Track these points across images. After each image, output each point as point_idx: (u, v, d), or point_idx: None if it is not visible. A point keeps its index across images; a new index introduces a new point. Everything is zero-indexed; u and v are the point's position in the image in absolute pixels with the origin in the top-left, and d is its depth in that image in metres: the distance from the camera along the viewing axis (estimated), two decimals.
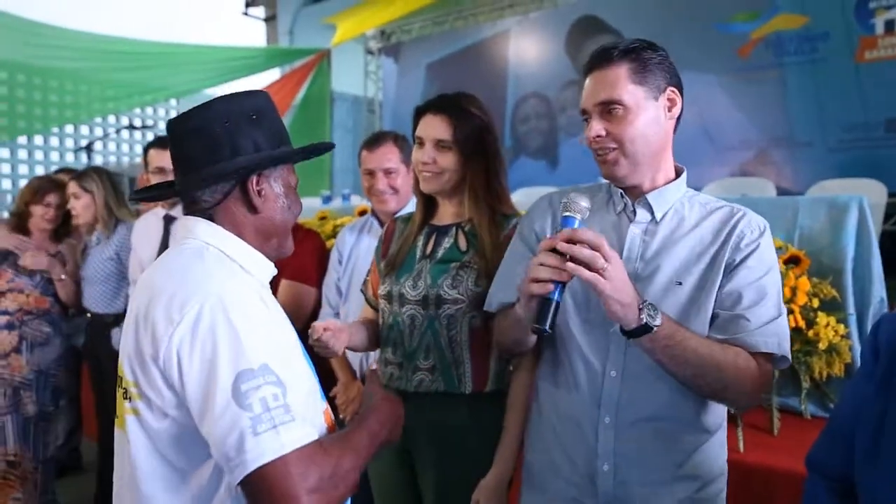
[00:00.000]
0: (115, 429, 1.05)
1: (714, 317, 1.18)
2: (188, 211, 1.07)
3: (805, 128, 5.46)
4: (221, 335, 0.90)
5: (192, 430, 0.92)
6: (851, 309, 2.02)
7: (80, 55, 7.06)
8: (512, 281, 1.28)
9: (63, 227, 3.14)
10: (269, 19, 12.52)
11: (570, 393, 1.27)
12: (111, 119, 10.67)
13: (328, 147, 1.18)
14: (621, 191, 1.26)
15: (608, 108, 1.18)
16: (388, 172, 2.07)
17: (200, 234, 1.04)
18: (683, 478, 1.21)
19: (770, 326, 1.15)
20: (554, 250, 1.04)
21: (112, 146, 11.11)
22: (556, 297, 1.04)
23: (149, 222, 2.90)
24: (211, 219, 1.05)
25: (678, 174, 1.28)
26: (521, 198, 6.26)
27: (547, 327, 1.04)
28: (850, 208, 2.08)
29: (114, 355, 3.08)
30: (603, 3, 6.87)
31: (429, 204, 1.64)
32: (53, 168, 10.48)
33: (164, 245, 2.81)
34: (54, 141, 10.71)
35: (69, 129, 10.70)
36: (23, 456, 2.89)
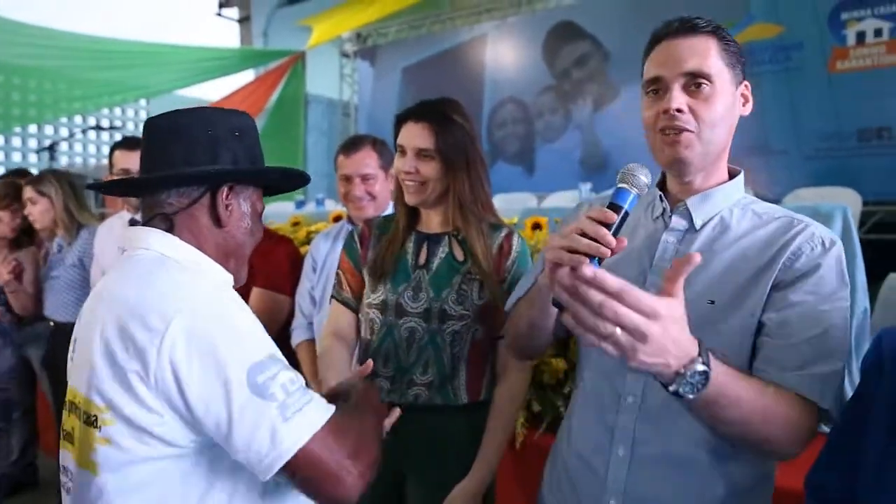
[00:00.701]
0: (68, 468, 0.95)
1: (758, 345, 1.00)
2: (147, 215, 1.00)
3: (780, 136, 5.51)
4: (218, 337, 0.86)
5: (183, 448, 0.88)
6: None
7: (48, 52, 6.89)
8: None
9: (26, 234, 3.02)
10: (243, 20, 12.37)
11: (582, 420, 1.17)
12: (77, 119, 10.42)
13: (305, 179, 1.15)
14: (661, 193, 1.12)
15: (695, 81, 1.01)
16: (365, 178, 2.00)
17: (154, 244, 0.97)
18: None
19: (820, 368, 0.95)
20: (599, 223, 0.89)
21: (78, 147, 10.84)
22: (589, 271, 0.94)
23: (112, 227, 2.78)
24: (171, 225, 0.98)
25: (732, 176, 1.12)
26: (498, 203, 6.23)
27: None
28: (835, 218, 2.06)
29: None
30: (580, 9, 6.89)
31: (412, 209, 1.57)
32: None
33: None
34: (16, 141, 10.42)
35: (32, 128, 10.44)
36: None
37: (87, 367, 0.89)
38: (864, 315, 2.06)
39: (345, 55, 8.99)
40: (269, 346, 0.90)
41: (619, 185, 0.94)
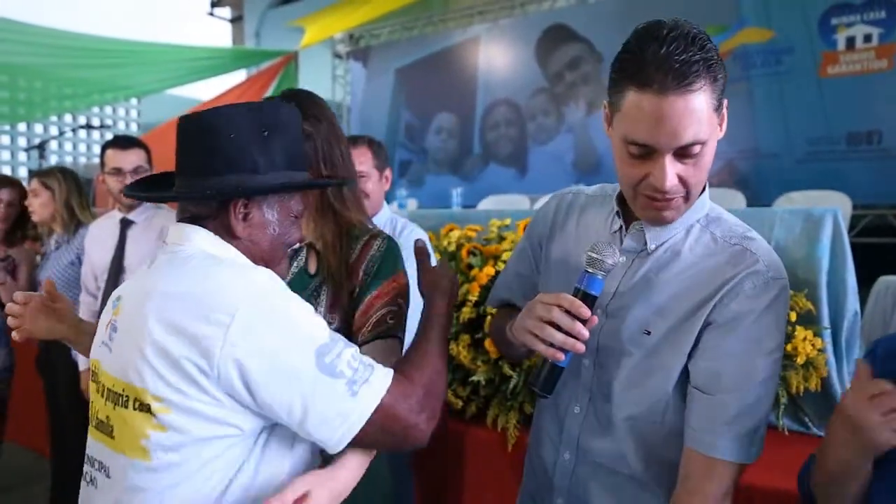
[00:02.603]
0: (98, 458, 0.96)
1: (689, 396, 1.00)
2: (181, 215, 1.03)
3: (771, 140, 5.55)
4: (282, 327, 0.89)
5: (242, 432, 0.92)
6: (826, 322, 2.00)
7: (38, 50, 6.82)
8: (512, 280, 1.25)
9: (19, 230, 2.99)
10: (236, 20, 12.31)
11: (540, 421, 1.22)
12: (67, 118, 10.34)
13: (340, 181, 1.20)
14: (619, 209, 1.09)
15: (688, 150, 0.92)
16: (359, 176, 1.99)
17: (198, 241, 0.99)
18: None
19: (747, 424, 0.96)
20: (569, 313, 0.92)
21: (68, 146, 10.76)
22: (564, 363, 0.94)
23: (103, 226, 2.76)
24: (203, 226, 1.00)
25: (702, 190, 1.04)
26: (490, 205, 6.27)
27: (549, 394, 0.96)
28: (825, 221, 2.06)
29: (73, 366, 2.93)
30: (572, 12, 6.90)
31: None
32: (5, 168, 10.12)
33: (120, 250, 2.67)
34: (5, 139, 10.32)
35: (22, 126, 10.34)
36: None
37: (134, 356, 0.89)
38: (854, 318, 2.08)
39: (337, 56, 8.97)
40: (327, 328, 0.93)
41: (589, 271, 0.96)
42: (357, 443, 0.91)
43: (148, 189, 1.10)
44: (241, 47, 11.34)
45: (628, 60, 0.92)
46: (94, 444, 0.97)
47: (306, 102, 1.29)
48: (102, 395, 0.95)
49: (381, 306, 1.25)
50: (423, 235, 2.13)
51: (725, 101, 0.97)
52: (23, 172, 9.66)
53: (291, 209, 1.06)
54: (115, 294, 1.03)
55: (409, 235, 2.08)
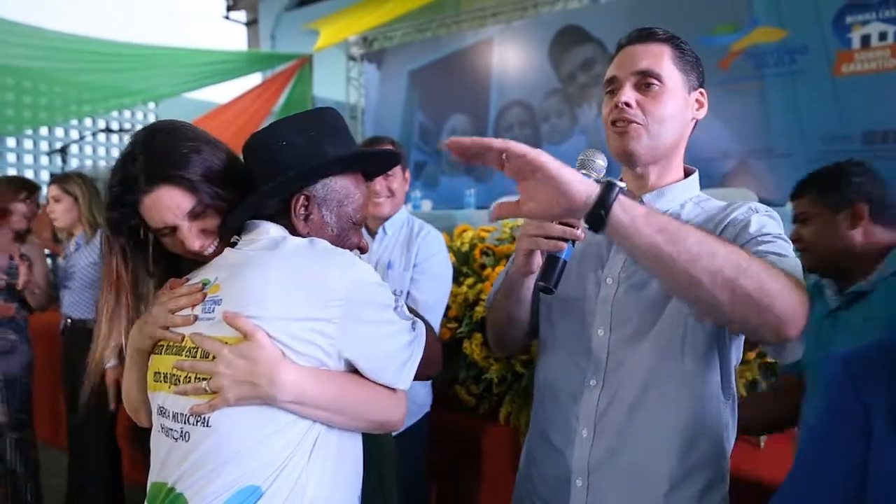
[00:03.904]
0: (182, 413, 1.03)
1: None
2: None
3: (785, 139, 5.52)
4: (373, 289, 1.04)
5: None
6: None
7: (58, 56, 6.95)
8: None
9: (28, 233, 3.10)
10: (251, 23, 12.44)
11: (545, 407, 1.22)
12: (87, 122, 10.49)
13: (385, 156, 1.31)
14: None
15: (645, 81, 1.11)
16: (387, 175, 2.04)
17: (274, 233, 1.09)
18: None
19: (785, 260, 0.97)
20: None
21: (88, 149, 10.92)
22: (566, 255, 1.00)
23: None
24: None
25: (687, 175, 1.20)
26: None
27: (555, 288, 1.00)
28: None
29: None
30: (586, 14, 6.92)
31: None
32: (27, 171, 10.29)
33: None
34: (28, 143, 10.49)
35: (43, 131, 10.51)
36: None
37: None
38: None
39: (351, 58, 9.04)
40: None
41: (581, 172, 1.01)
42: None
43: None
44: (256, 50, 11.45)
45: (615, 51, 1.18)
46: (184, 402, 1.02)
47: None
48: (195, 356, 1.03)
49: None
50: (440, 237, 2.17)
51: (702, 90, 1.17)
52: (44, 176, 9.82)
53: (350, 215, 1.14)
54: (193, 281, 1.09)
55: (426, 236, 2.12)
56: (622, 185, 0.88)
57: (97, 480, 2.98)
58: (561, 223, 0.99)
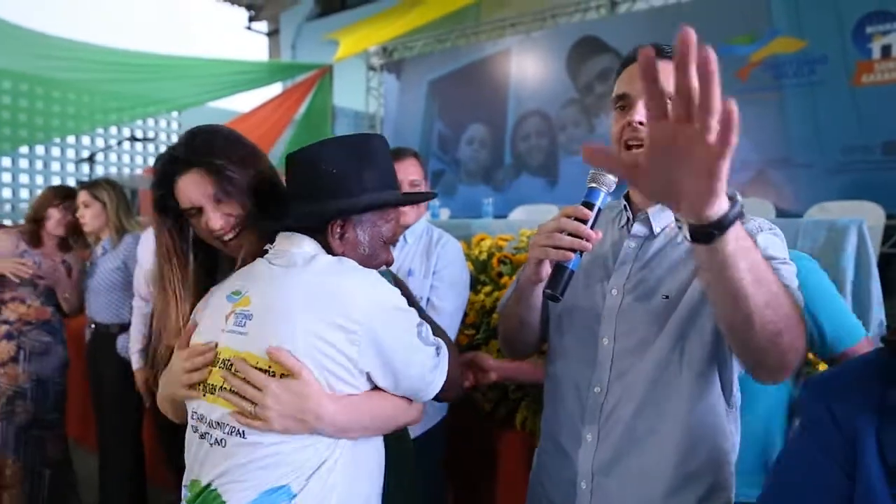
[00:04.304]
0: (220, 421, 1.09)
1: None
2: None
3: (804, 149, 5.51)
4: (400, 317, 1.11)
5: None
6: None
7: (85, 66, 7.13)
8: None
9: (73, 237, 3.17)
10: (272, 34, 12.65)
11: (556, 412, 1.27)
12: (113, 130, 10.72)
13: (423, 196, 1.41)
14: (626, 203, 1.24)
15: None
16: (413, 184, 2.10)
17: (307, 247, 1.15)
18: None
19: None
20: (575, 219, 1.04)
21: (113, 157, 11.15)
22: (573, 265, 1.04)
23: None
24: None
25: None
26: (521, 215, 6.33)
27: (561, 296, 1.05)
28: (850, 231, 2.10)
29: (116, 365, 3.10)
30: (604, 24, 6.95)
31: None
32: (55, 178, 10.53)
33: None
34: (56, 151, 10.74)
35: (71, 139, 10.75)
36: (7, 464, 2.90)
37: (274, 339, 1.05)
38: (879, 328, 2.10)
39: (371, 68, 9.14)
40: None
41: (590, 185, 1.06)
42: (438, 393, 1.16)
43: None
44: (277, 60, 11.62)
45: (620, 65, 1.20)
46: (218, 410, 1.09)
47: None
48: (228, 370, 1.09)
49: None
50: (458, 246, 2.22)
51: None
52: (72, 183, 10.05)
53: (382, 234, 1.21)
54: (225, 289, 1.16)
55: (445, 245, 2.16)
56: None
57: (122, 480, 3.05)
58: (570, 234, 1.03)
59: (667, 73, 1.07)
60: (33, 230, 3.07)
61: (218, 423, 1.09)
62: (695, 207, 0.76)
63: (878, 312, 2.09)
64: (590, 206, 1.06)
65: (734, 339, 0.93)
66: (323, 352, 1.04)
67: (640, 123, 1.09)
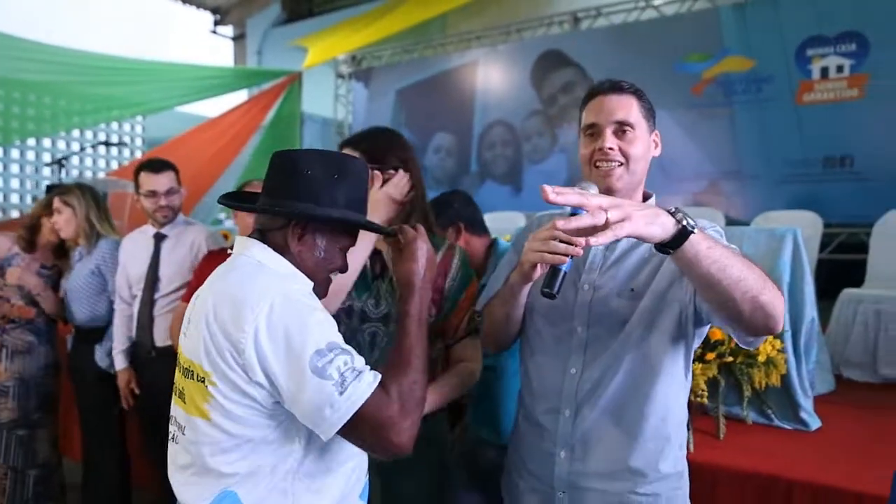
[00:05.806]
0: (178, 418, 1.22)
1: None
2: (255, 226, 1.27)
3: (752, 162, 5.84)
4: (292, 329, 1.08)
5: (268, 407, 1.13)
6: (787, 327, 2.28)
7: (47, 68, 7.07)
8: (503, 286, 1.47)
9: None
10: (238, 38, 12.61)
11: (533, 395, 1.46)
12: (88, 134, 10.59)
13: (374, 227, 1.33)
14: None
15: (622, 128, 1.35)
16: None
17: (255, 253, 1.22)
18: (636, 472, 1.34)
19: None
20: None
21: (88, 161, 10.99)
22: (566, 267, 1.20)
23: (137, 240, 2.99)
24: (265, 238, 1.24)
25: (646, 199, 1.45)
26: (487, 221, 6.44)
27: (557, 294, 1.20)
28: (787, 239, 2.35)
29: (96, 370, 3.16)
30: (567, 39, 7.22)
31: None
32: (28, 181, 10.32)
33: (155, 261, 2.91)
34: (30, 155, 10.56)
35: (46, 143, 10.57)
36: None
37: (199, 342, 1.14)
38: (811, 324, 2.36)
39: (340, 76, 9.26)
40: (331, 336, 1.10)
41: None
42: (344, 432, 1.07)
43: (236, 200, 1.37)
44: (247, 66, 11.61)
45: (585, 96, 1.43)
46: (175, 409, 1.23)
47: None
48: (182, 372, 1.21)
49: (469, 308, 1.60)
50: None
51: (657, 132, 1.42)
52: (44, 186, 9.93)
53: (339, 241, 1.26)
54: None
55: None
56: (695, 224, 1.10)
57: (106, 487, 3.10)
58: (562, 241, 1.20)
59: (622, 104, 1.37)
60: (30, 236, 3.12)
61: (174, 419, 1.22)
62: (646, 240, 1.04)
63: (810, 311, 2.36)
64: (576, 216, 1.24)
65: (724, 312, 1.16)
66: (221, 345, 1.09)
67: (611, 149, 1.34)
